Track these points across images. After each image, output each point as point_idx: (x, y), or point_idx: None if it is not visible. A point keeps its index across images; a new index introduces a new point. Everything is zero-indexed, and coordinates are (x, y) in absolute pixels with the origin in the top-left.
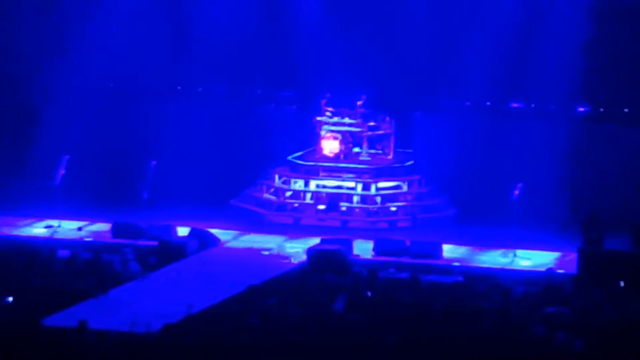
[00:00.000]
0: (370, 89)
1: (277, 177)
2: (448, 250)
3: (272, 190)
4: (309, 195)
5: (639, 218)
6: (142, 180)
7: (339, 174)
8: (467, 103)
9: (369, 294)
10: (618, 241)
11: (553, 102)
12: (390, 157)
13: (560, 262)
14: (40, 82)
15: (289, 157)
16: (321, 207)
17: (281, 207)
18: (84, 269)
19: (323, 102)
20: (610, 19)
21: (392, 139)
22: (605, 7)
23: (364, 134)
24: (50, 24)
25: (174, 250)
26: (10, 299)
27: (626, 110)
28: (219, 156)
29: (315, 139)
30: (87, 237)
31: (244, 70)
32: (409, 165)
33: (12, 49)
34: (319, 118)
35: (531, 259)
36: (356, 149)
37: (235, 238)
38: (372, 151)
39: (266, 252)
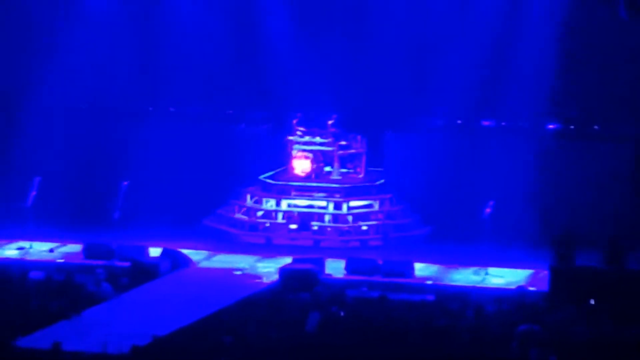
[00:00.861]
0: (341, 108)
1: (248, 196)
2: (420, 268)
3: (243, 210)
4: (280, 215)
5: (611, 234)
6: (114, 200)
7: (311, 193)
8: (438, 121)
9: (342, 313)
10: (590, 258)
11: (524, 120)
12: (361, 176)
13: (532, 280)
14: (10, 103)
15: (261, 177)
16: (293, 226)
17: (253, 227)
18: (57, 290)
19: (294, 121)
20: (580, 37)
21: (364, 157)
22: (575, 25)
23: (335, 153)
24: (19, 44)
25: (146, 271)
26: None
27: (596, 127)
28: (190, 176)
29: (287, 158)
30: (59, 258)
31: (216, 90)
32: (381, 183)
33: None
34: (290, 137)
35: (503, 277)
36: (327, 168)
37: (207, 258)
38: (344, 170)
39: (238, 272)
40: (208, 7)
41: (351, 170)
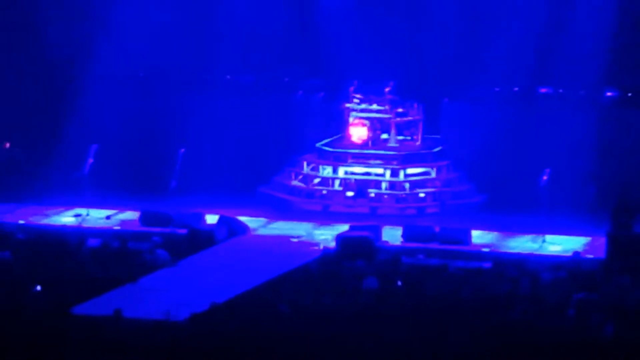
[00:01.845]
0: (398, 75)
1: (305, 164)
2: (477, 236)
3: (300, 177)
4: (337, 182)
5: None
6: (171, 168)
7: (367, 161)
8: (495, 89)
9: (399, 283)
10: None
11: (581, 87)
12: (418, 143)
13: (589, 247)
14: (68, 72)
15: (317, 144)
16: (350, 194)
17: (310, 195)
18: (113, 257)
19: (351, 89)
20: (636, 6)
21: (420, 125)
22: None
23: (392, 120)
24: (77, 13)
25: (203, 238)
26: (39, 287)
27: None
28: (247, 144)
29: (344, 125)
30: (116, 225)
31: (271, 58)
32: (437, 151)
33: (41, 40)
34: (347, 105)
35: (560, 244)
36: (384, 136)
37: (264, 226)
38: (401, 138)
39: (295, 240)
40: None
41: (408, 138)
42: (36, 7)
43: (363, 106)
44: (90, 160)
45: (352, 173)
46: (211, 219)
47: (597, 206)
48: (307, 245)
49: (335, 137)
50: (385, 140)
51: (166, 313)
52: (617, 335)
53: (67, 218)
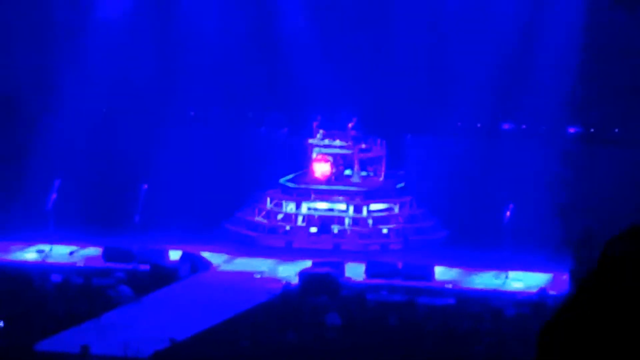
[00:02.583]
0: (361, 111)
1: (268, 200)
2: (440, 272)
3: (263, 213)
4: (300, 218)
5: None
6: (134, 204)
7: (331, 197)
8: (458, 124)
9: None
10: None
11: (543, 123)
12: (381, 179)
13: (552, 283)
14: (32, 106)
15: (281, 180)
16: (313, 229)
17: (273, 230)
18: (76, 293)
19: (314, 124)
20: (600, 41)
21: (384, 161)
22: (596, 29)
23: (355, 156)
24: (42, 47)
25: (166, 274)
26: (1, 323)
27: (616, 130)
28: (210, 179)
29: (307, 161)
30: (79, 261)
31: (236, 93)
32: (400, 187)
33: (3, 73)
34: (310, 140)
35: (523, 281)
36: (348, 172)
37: (227, 261)
38: (364, 173)
39: (258, 275)
40: (228, 10)
41: (371, 174)
42: (1, 40)
43: (326, 142)
44: (54, 196)
45: (316, 209)
46: (174, 255)
47: (560, 242)
48: (270, 281)
49: (298, 172)
50: (349, 176)
51: (124, 348)
52: None
53: (30, 254)
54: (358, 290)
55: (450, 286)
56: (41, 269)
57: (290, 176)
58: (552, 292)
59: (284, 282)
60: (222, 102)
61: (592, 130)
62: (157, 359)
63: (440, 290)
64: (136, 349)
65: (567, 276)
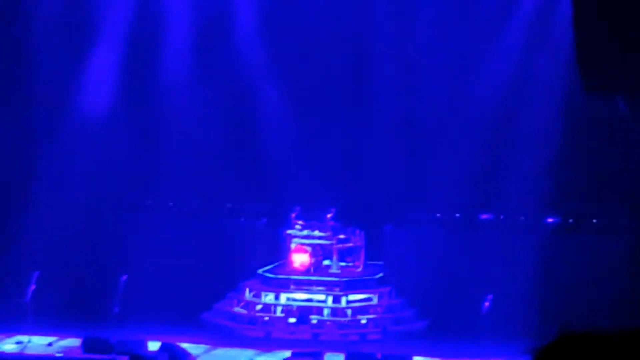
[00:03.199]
0: (339, 202)
1: (247, 290)
2: None
3: (242, 303)
4: (279, 309)
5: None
6: (113, 294)
7: (309, 287)
8: (437, 215)
9: None
10: None
11: (522, 214)
12: (360, 269)
13: None
14: (7, 197)
15: (259, 271)
16: (292, 320)
17: (252, 321)
18: None
19: (293, 215)
20: (577, 133)
21: (362, 251)
22: (574, 120)
23: (334, 246)
24: (16, 138)
25: None
26: None
27: (594, 220)
28: (189, 270)
29: (286, 252)
30: (58, 352)
31: (214, 184)
32: (379, 277)
33: None
34: (288, 231)
35: None
36: (326, 262)
37: (206, 352)
38: (342, 264)
39: None
40: (207, 101)
41: (350, 264)
42: None
43: (305, 232)
44: (32, 287)
45: (294, 299)
46: (153, 345)
47: (539, 333)
48: None
49: (277, 263)
50: (328, 267)
51: None
52: None
53: (8, 345)
54: None
55: None
56: None
57: (269, 267)
58: None
59: None
60: (201, 193)
61: (570, 220)
62: None
63: None
64: None
65: None
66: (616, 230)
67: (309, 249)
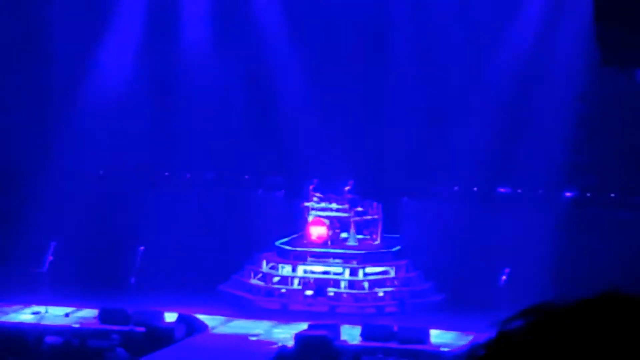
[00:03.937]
0: (357, 174)
1: (264, 262)
2: (436, 335)
3: (259, 275)
4: (296, 281)
5: None
6: (130, 266)
7: (327, 260)
8: (455, 188)
9: None
10: None
11: (540, 187)
12: (377, 242)
13: None
14: (27, 170)
15: (277, 243)
16: (309, 292)
17: (269, 293)
18: (72, 355)
19: (310, 187)
20: (598, 105)
21: (380, 224)
22: (593, 93)
23: (352, 219)
24: (36, 111)
25: (162, 336)
26: None
27: (612, 195)
28: (206, 242)
29: (303, 224)
30: (75, 323)
31: (232, 156)
32: (397, 250)
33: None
34: (306, 204)
35: None
36: (344, 235)
37: (222, 324)
38: (360, 236)
39: (254, 338)
40: (226, 75)
41: (367, 237)
42: None
43: (322, 205)
44: (50, 258)
45: (311, 272)
46: (170, 317)
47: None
48: (266, 344)
49: (294, 235)
50: (345, 239)
51: None
52: None
53: (25, 315)
54: (354, 353)
55: (446, 350)
56: (36, 331)
57: (287, 239)
58: None
59: (279, 344)
60: (219, 165)
61: (588, 195)
62: None
63: (437, 353)
64: None
65: None
66: (634, 205)
67: (326, 221)
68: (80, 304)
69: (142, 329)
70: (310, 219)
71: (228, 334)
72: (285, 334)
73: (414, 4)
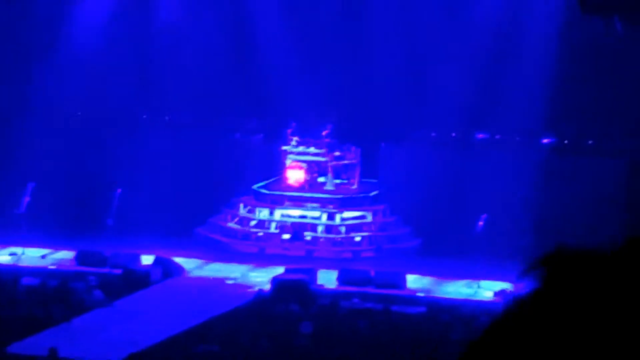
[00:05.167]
0: (335, 119)
1: (242, 206)
2: (412, 280)
3: (236, 219)
4: (273, 225)
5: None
6: (107, 208)
7: (304, 204)
8: (433, 134)
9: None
10: None
11: (518, 134)
12: (355, 187)
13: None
14: (5, 109)
15: (254, 186)
16: (286, 236)
17: (246, 236)
18: (49, 296)
19: (289, 131)
20: (575, 53)
21: (358, 169)
22: (571, 41)
23: (329, 163)
24: (15, 52)
25: (138, 279)
26: None
27: (590, 142)
28: (184, 185)
29: (281, 168)
30: (52, 264)
31: (210, 99)
32: (374, 195)
33: None
34: (284, 147)
35: (495, 290)
36: (321, 179)
37: (199, 267)
38: (337, 181)
39: (230, 281)
40: (204, 18)
41: (345, 181)
42: None
43: (300, 149)
44: (27, 199)
45: (289, 216)
46: (147, 259)
47: (533, 252)
48: (242, 287)
49: (272, 179)
50: (322, 184)
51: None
52: None
53: (2, 257)
54: (330, 297)
55: (422, 294)
56: (13, 272)
57: (264, 183)
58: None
59: (256, 288)
60: (197, 108)
61: (566, 141)
62: None
63: (412, 298)
64: (106, 353)
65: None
66: (611, 152)
67: (304, 165)
68: (57, 245)
69: (118, 271)
70: (288, 162)
71: (204, 277)
72: (261, 277)
73: None
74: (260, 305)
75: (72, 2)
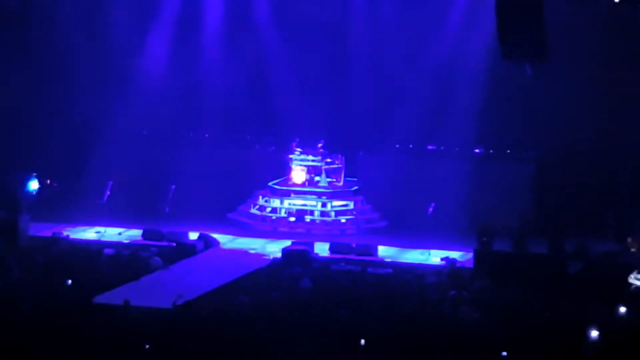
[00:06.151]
0: (327, 135)
1: (260, 197)
2: (382, 250)
3: (257, 206)
4: (283, 211)
5: (517, 227)
6: (164, 199)
7: (305, 196)
8: (397, 145)
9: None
10: (503, 244)
11: (457, 145)
12: (341, 184)
13: (462, 259)
14: (94, 128)
15: (270, 184)
16: (292, 219)
17: (264, 219)
18: (123, 262)
19: (294, 144)
20: (498, 86)
21: (343, 171)
22: (495, 78)
23: (323, 167)
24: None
25: (187, 249)
26: (70, 282)
27: (508, 151)
28: (219, 182)
29: (288, 170)
30: (125, 239)
31: (237, 121)
32: (354, 190)
33: (71, 105)
34: (290, 156)
35: (441, 257)
36: (317, 178)
37: (230, 241)
38: (329, 180)
39: (252, 251)
40: (233, 67)
41: (334, 180)
42: (68, 81)
43: (302, 157)
44: (108, 193)
45: (294, 204)
46: (193, 235)
47: (468, 230)
48: (261, 255)
49: (282, 178)
50: (318, 182)
51: (176, 298)
52: (480, 320)
53: (90, 234)
54: (324, 262)
55: (389, 260)
56: (98, 245)
57: (276, 181)
58: (461, 265)
59: (271, 256)
60: (228, 128)
61: (491, 151)
62: (182, 308)
63: (382, 262)
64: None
65: (472, 253)
66: (522, 159)
67: (304, 168)
68: (129, 225)
69: (173, 244)
70: (293, 167)
71: (234, 249)
72: (275, 248)
73: (367, 10)
74: (274, 268)
75: (138, 50)
